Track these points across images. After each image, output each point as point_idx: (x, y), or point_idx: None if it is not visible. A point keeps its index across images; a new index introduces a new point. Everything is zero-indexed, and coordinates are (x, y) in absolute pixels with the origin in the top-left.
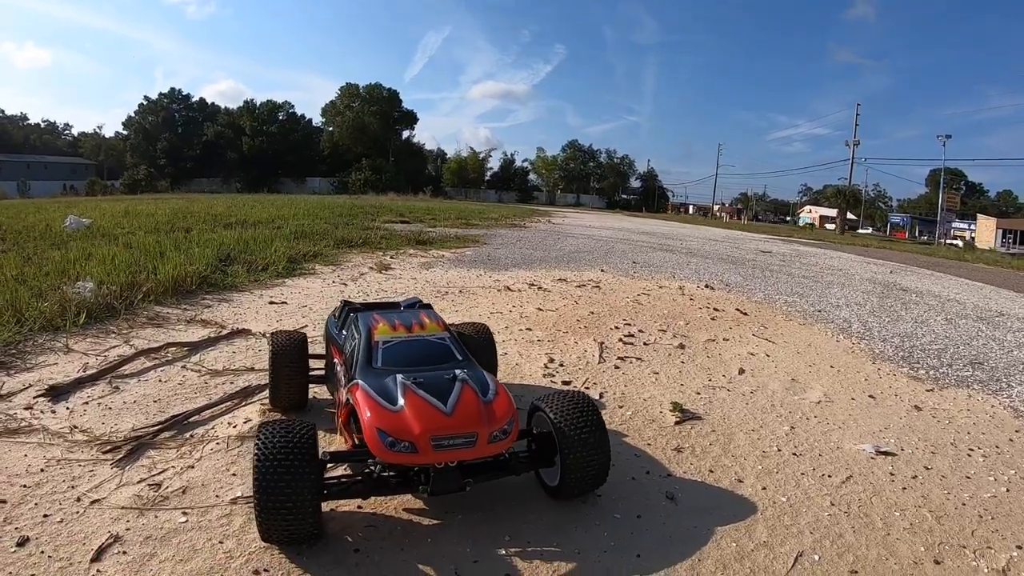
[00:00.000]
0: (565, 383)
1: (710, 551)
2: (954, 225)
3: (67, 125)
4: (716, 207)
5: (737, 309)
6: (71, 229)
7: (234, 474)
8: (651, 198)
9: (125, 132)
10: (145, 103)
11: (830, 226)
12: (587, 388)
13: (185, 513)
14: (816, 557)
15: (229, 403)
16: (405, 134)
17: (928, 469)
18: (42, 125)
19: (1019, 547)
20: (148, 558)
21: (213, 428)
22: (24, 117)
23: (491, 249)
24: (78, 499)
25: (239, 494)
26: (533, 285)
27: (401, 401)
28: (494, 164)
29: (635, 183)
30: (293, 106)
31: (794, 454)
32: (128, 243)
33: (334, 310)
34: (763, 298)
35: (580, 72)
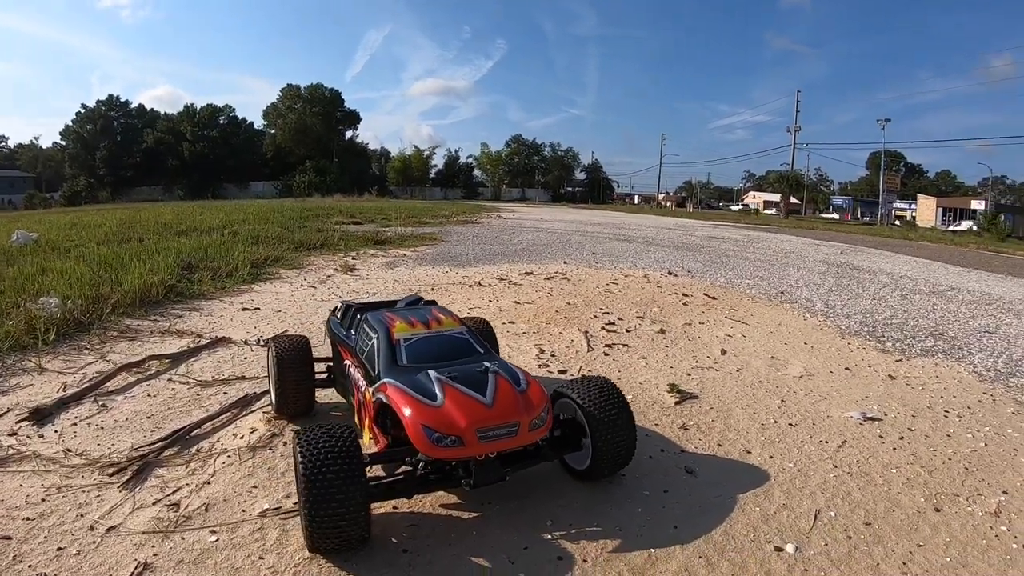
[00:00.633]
0: (561, 372)
1: (738, 516)
2: (895, 205)
3: (2, 137)
4: (661, 196)
5: (705, 294)
6: (19, 244)
7: (255, 486)
8: (596, 190)
9: (63, 142)
10: (83, 111)
11: (771, 211)
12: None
13: (214, 532)
14: (832, 514)
15: (228, 414)
16: (348, 134)
17: (912, 431)
18: None
19: (1005, 492)
20: None
21: (219, 441)
22: None
23: (450, 246)
24: (91, 528)
25: (266, 506)
26: (503, 279)
27: (440, 396)
28: (438, 161)
29: (580, 175)
30: (234, 110)
31: (790, 424)
32: (81, 256)
33: (334, 311)
34: (726, 283)
35: (522, 66)
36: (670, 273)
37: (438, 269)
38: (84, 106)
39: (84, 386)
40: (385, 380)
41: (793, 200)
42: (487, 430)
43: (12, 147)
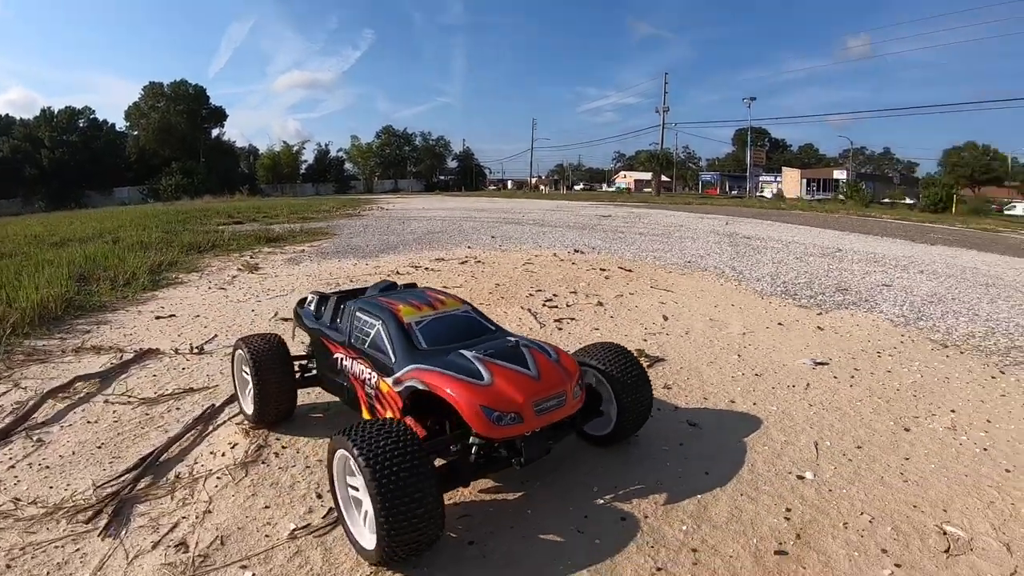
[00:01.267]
0: None
1: (753, 456)
2: (761, 179)
3: None
4: (534, 180)
5: (620, 267)
6: None
7: (266, 507)
8: (469, 177)
9: None
10: None
11: (647, 189)
12: None
13: (245, 566)
14: (828, 443)
15: (194, 431)
16: (215, 132)
17: (858, 370)
18: None
19: (952, 411)
20: None
21: (196, 463)
22: None
23: (345, 239)
24: None
25: (292, 526)
26: (417, 267)
27: (487, 374)
28: (308, 156)
29: (452, 163)
30: (94, 111)
31: (756, 374)
32: None
33: (303, 303)
34: (633, 256)
35: (389, 56)
36: (577, 251)
37: (345, 262)
38: None
39: (7, 420)
40: (413, 366)
41: (664, 178)
42: (541, 402)
43: None
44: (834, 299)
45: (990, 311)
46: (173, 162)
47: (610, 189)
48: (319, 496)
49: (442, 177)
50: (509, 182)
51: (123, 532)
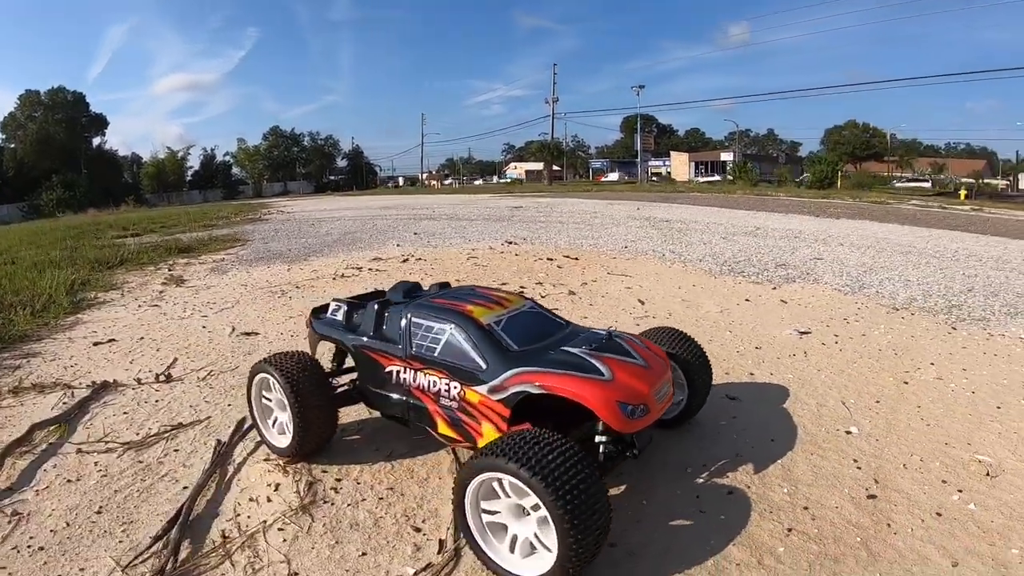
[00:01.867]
0: None
1: (801, 420)
2: (651, 163)
3: None
4: (424, 175)
5: (566, 256)
6: None
7: (363, 553)
8: (360, 176)
9: None
10: None
11: (546, 180)
12: None
13: None
14: (852, 401)
15: (216, 476)
16: (96, 141)
17: (838, 336)
18: None
19: (932, 363)
20: None
21: (239, 515)
22: None
23: (261, 244)
24: None
25: (410, 571)
26: (359, 268)
27: (605, 370)
28: (194, 162)
29: (342, 162)
30: None
31: (756, 348)
32: None
33: (319, 312)
34: (568, 245)
35: (275, 55)
36: (509, 243)
37: (276, 267)
38: None
39: None
40: (516, 370)
41: (555, 167)
42: (658, 391)
43: None
44: (778, 274)
45: (918, 276)
46: (54, 175)
47: (504, 181)
48: (417, 529)
49: (332, 177)
50: (400, 179)
51: None
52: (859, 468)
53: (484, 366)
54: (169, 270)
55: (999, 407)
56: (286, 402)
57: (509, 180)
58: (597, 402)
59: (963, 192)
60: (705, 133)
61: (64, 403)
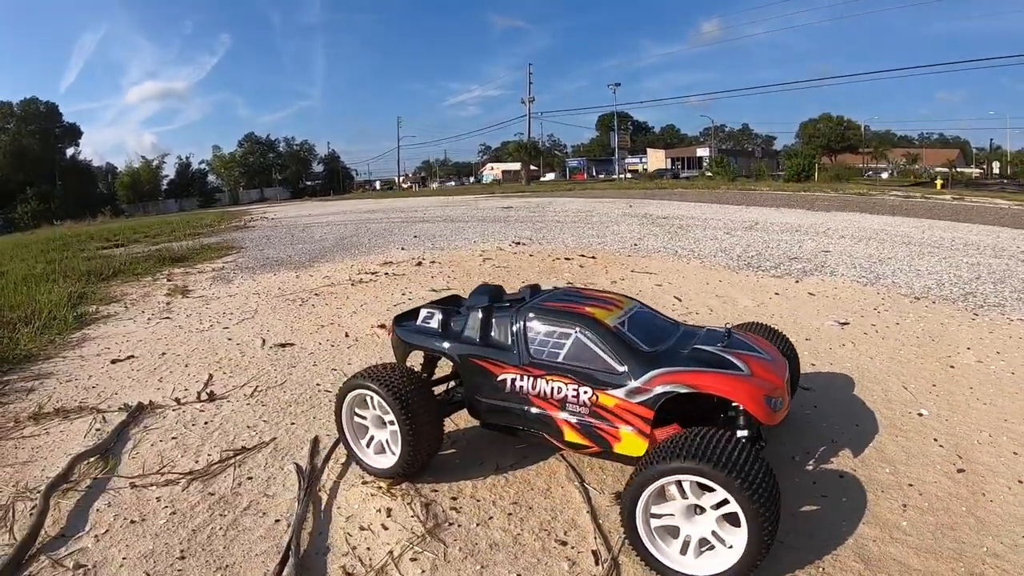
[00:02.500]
0: None
1: (876, 406)
2: (627, 161)
3: None
4: (401, 178)
5: (582, 255)
6: None
7: (517, 575)
8: (336, 180)
9: None
10: None
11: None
12: None
13: None
14: (913, 386)
15: (309, 509)
16: (70, 152)
17: (874, 326)
18: None
19: (968, 348)
20: None
21: (355, 548)
22: None
23: (257, 251)
24: None
25: None
26: (373, 273)
27: (743, 366)
28: (169, 171)
29: (318, 168)
30: None
31: (806, 339)
32: None
33: (403, 319)
34: (575, 244)
35: (248, 61)
36: (517, 243)
37: (283, 274)
38: None
39: (10, 546)
40: (659, 370)
41: (532, 167)
42: (786, 382)
43: None
44: (795, 268)
45: (927, 266)
46: (28, 187)
47: (485, 182)
48: (563, 543)
49: (309, 183)
50: (378, 183)
51: None
52: (941, 446)
53: (620, 369)
54: (168, 280)
55: None
56: (387, 419)
57: (489, 182)
58: (748, 397)
59: (939, 181)
60: (680, 129)
61: (97, 430)
